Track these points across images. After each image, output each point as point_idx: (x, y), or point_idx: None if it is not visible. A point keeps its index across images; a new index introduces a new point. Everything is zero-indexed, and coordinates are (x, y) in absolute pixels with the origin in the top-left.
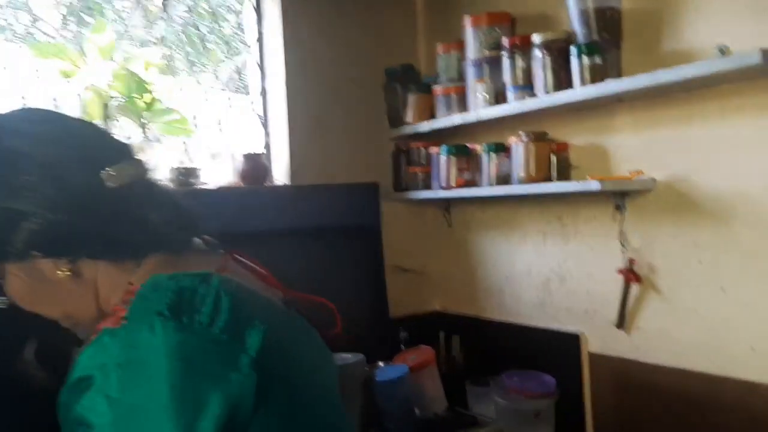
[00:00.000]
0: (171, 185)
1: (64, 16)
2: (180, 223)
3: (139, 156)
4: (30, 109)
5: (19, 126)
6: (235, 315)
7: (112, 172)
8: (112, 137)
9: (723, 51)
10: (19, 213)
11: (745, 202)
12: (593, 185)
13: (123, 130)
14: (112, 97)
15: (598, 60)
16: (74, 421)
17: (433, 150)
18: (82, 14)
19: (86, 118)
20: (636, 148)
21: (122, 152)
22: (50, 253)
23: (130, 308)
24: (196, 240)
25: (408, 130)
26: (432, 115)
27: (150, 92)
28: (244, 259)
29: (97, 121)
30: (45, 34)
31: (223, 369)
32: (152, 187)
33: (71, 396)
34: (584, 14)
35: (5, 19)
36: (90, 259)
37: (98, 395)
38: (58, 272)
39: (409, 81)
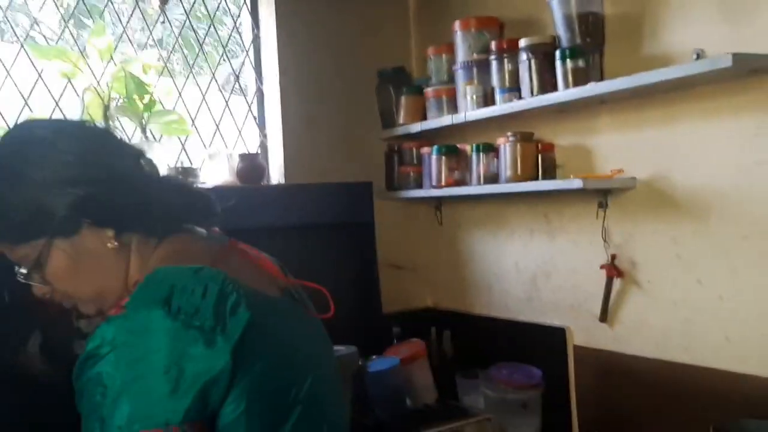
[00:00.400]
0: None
1: (63, 19)
2: (197, 209)
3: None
4: (63, 120)
5: (69, 130)
6: (220, 305)
7: (145, 162)
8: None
9: (699, 55)
10: (73, 183)
11: (719, 199)
12: (576, 183)
13: (123, 130)
14: (112, 99)
15: (581, 63)
16: (90, 382)
17: (425, 150)
18: (81, 17)
19: (86, 119)
20: (618, 148)
21: (143, 151)
22: (100, 222)
23: (131, 297)
24: (201, 230)
25: (400, 130)
26: (423, 116)
27: (149, 93)
28: (247, 250)
29: (98, 122)
30: (44, 36)
31: (202, 352)
32: (176, 178)
33: (86, 365)
34: (568, 19)
35: (5, 22)
36: (129, 234)
37: (107, 365)
38: (108, 244)
39: (401, 83)
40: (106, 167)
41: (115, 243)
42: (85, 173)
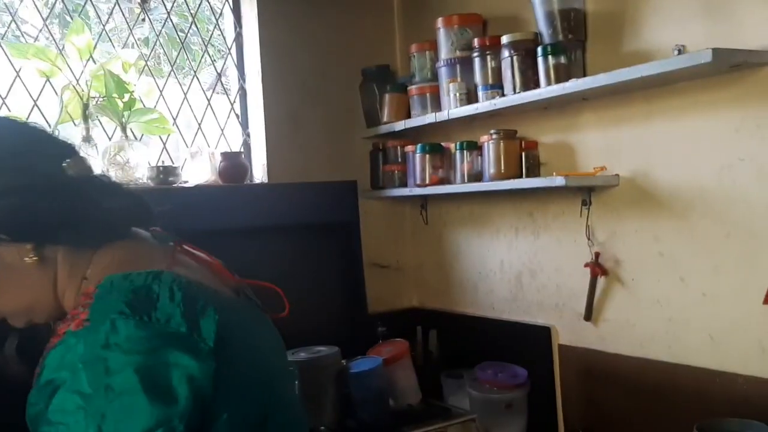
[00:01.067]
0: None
1: (41, 17)
2: (135, 212)
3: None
4: None
5: None
6: (189, 308)
7: (71, 163)
8: (58, 137)
9: (680, 51)
10: None
11: (701, 196)
12: (559, 181)
13: (103, 129)
14: (91, 97)
15: (563, 60)
16: (56, 410)
17: (409, 148)
18: (65, 16)
19: (65, 117)
20: (601, 145)
21: (73, 148)
22: (17, 237)
23: (91, 310)
24: (144, 233)
25: (384, 129)
26: (407, 115)
27: (130, 92)
28: (193, 251)
29: (77, 120)
30: (24, 35)
31: (186, 358)
32: (107, 179)
33: (40, 397)
34: (550, 16)
35: None
36: (52, 246)
37: (69, 394)
38: (26, 258)
39: (385, 81)
40: (23, 173)
41: (34, 258)
42: (2, 188)
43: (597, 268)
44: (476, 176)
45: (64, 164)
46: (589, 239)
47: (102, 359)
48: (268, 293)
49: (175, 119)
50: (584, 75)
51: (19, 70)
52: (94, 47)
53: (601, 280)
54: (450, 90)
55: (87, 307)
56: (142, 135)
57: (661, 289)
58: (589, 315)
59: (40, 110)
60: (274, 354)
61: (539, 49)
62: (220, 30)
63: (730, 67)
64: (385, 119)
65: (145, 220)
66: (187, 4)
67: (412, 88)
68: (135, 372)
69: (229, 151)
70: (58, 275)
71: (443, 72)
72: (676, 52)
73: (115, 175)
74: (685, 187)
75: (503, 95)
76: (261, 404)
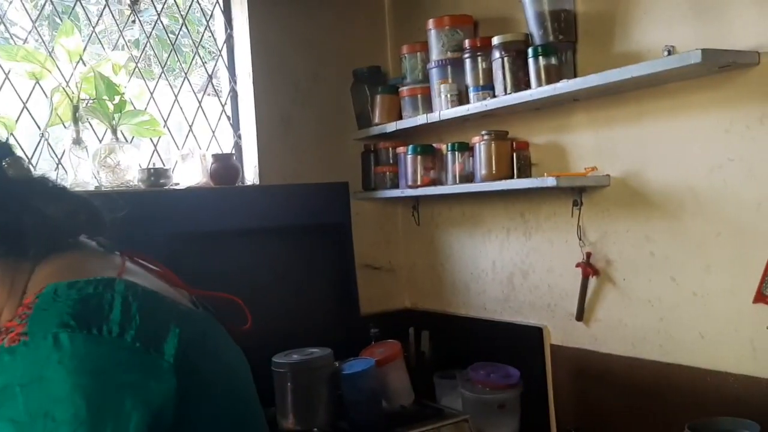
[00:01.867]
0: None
1: (30, 19)
2: (83, 220)
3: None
4: None
5: None
6: (147, 321)
7: (10, 162)
8: None
9: (670, 51)
10: None
11: (692, 196)
12: (550, 182)
13: (93, 131)
14: (81, 100)
15: (553, 61)
16: None
17: (400, 150)
18: (55, 18)
19: (55, 120)
20: (591, 146)
21: (10, 148)
22: None
23: (29, 322)
24: (91, 243)
25: (375, 130)
26: (399, 116)
27: (120, 94)
28: (142, 260)
29: (67, 123)
30: (15, 36)
31: (142, 378)
32: (50, 182)
33: None
34: (540, 17)
35: None
36: None
37: (11, 413)
38: None
39: (376, 82)
40: None
41: None
42: None
43: (588, 268)
44: (468, 177)
45: (3, 164)
46: (580, 239)
47: (42, 381)
48: (218, 303)
49: (165, 121)
50: (575, 76)
51: (9, 72)
52: (84, 49)
53: (592, 281)
54: (441, 91)
55: (25, 318)
56: (133, 137)
57: (653, 288)
58: (580, 315)
59: (29, 113)
60: (240, 367)
61: (530, 50)
62: (211, 32)
63: (719, 67)
64: (376, 120)
65: (94, 229)
66: (177, 6)
67: (404, 90)
68: (82, 397)
69: (220, 152)
70: None
71: (434, 73)
72: (665, 53)
73: (105, 177)
74: (675, 187)
75: (494, 96)
76: (236, 421)
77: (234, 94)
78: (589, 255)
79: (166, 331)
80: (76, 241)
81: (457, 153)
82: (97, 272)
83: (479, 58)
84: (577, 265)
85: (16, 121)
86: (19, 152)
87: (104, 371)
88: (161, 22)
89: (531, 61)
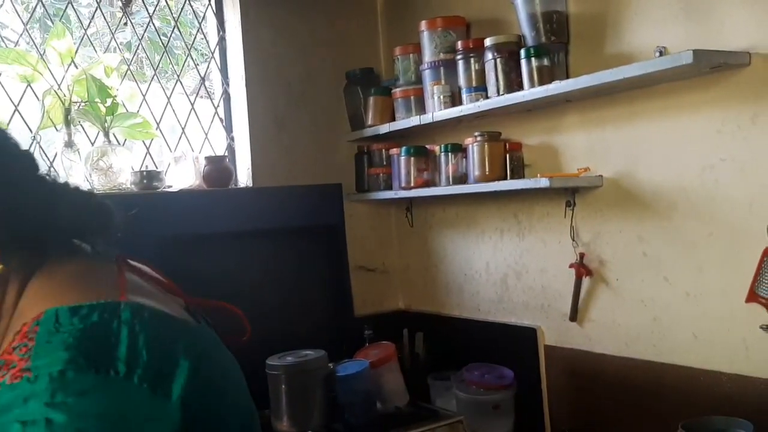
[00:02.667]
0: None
1: (22, 21)
2: (90, 220)
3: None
4: None
5: None
6: (155, 356)
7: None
8: None
9: (661, 52)
10: None
11: (684, 196)
12: (543, 182)
13: (85, 134)
14: (73, 102)
15: (546, 62)
16: None
17: (394, 151)
18: (46, 20)
19: (47, 123)
20: (584, 146)
21: (18, 143)
22: None
23: (33, 357)
24: (85, 246)
25: (368, 132)
26: (392, 117)
27: (112, 97)
28: (139, 265)
29: (59, 126)
30: (6, 39)
31: (147, 423)
32: (54, 179)
33: None
34: (532, 18)
35: None
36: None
37: None
38: None
39: (369, 84)
40: None
41: None
42: None
43: (582, 268)
44: (461, 178)
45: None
46: (573, 240)
47: (45, 422)
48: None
49: (158, 124)
50: (567, 77)
51: (0, 75)
52: (76, 52)
53: (586, 281)
54: (434, 92)
55: (26, 352)
56: (125, 140)
57: (646, 288)
58: (574, 315)
59: (21, 116)
60: (241, 383)
61: (522, 52)
62: (203, 34)
63: (710, 68)
64: (369, 122)
65: (101, 234)
66: (169, 8)
67: (397, 91)
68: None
69: (213, 155)
70: (7, 296)
71: (427, 75)
72: (657, 54)
73: (98, 180)
74: (668, 188)
75: (487, 97)
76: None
77: (227, 96)
78: (582, 255)
79: (175, 366)
80: (75, 246)
81: (450, 154)
82: (98, 290)
83: (472, 60)
84: (571, 266)
85: (8, 124)
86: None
87: (110, 415)
88: (153, 24)
89: (523, 62)
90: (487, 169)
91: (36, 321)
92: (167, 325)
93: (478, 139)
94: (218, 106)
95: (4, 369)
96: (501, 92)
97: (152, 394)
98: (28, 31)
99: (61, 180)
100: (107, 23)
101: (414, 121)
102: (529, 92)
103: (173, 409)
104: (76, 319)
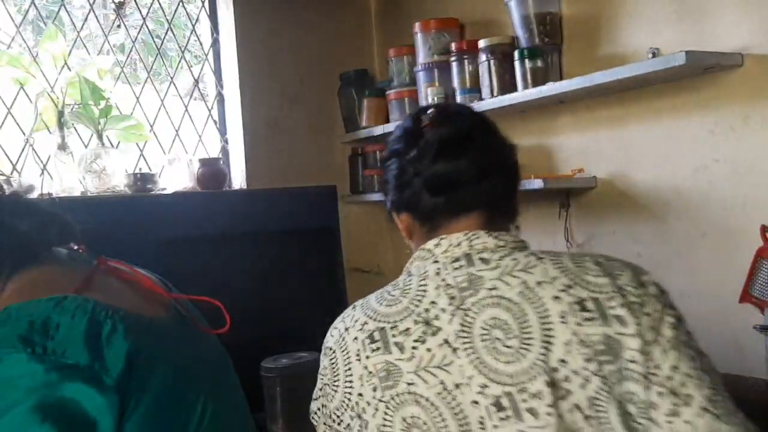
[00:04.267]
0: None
1: (14, 23)
2: (53, 233)
3: None
4: None
5: None
6: (91, 338)
7: None
8: None
9: (654, 54)
10: None
11: (677, 196)
12: (537, 184)
13: (79, 137)
14: (66, 105)
15: (539, 63)
16: None
17: None
18: (38, 23)
19: (40, 125)
20: (578, 148)
21: None
22: None
23: None
24: (62, 252)
25: (363, 133)
26: (386, 119)
27: (105, 99)
28: (120, 267)
29: (52, 128)
30: (0, 42)
31: (86, 391)
32: (17, 196)
33: None
34: (526, 19)
35: None
36: None
37: None
38: None
39: (363, 86)
40: None
41: None
42: None
43: None
44: None
45: None
46: (568, 241)
47: None
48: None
49: (152, 126)
50: (561, 78)
51: None
52: (69, 54)
53: None
54: (428, 94)
55: None
56: (119, 142)
57: None
58: None
59: (14, 118)
60: (204, 378)
61: (516, 53)
62: (197, 36)
63: (703, 69)
64: (363, 124)
65: (63, 240)
66: (163, 10)
67: (391, 93)
68: (28, 410)
69: (207, 157)
70: None
71: (421, 76)
72: (650, 55)
73: (91, 183)
74: (661, 188)
75: (481, 99)
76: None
77: (221, 99)
78: None
79: (112, 345)
80: (48, 254)
81: None
82: (54, 289)
83: (466, 61)
84: None
85: (0, 126)
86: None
87: (49, 386)
88: (147, 26)
89: (517, 63)
90: None
91: None
92: (111, 314)
93: None
94: (212, 108)
95: None
96: (495, 94)
97: (90, 366)
98: (20, 34)
99: (20, 200)
100: (100, 25)
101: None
102: (523, 94)
103: (111, 386)
104: (23, 312)
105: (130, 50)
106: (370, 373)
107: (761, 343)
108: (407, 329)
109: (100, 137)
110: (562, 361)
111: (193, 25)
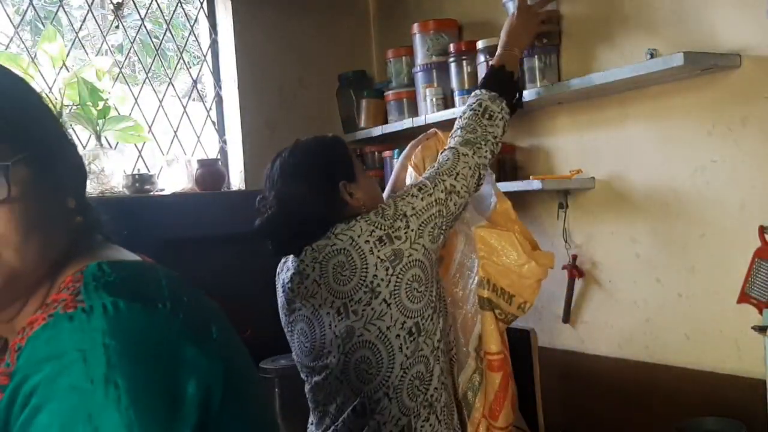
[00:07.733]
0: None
1: (12, 24)
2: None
3: None
4: None
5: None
6: (194, 304)
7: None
8: None
9: (653, 54)
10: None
11: (676, 197)
12: (535, 185)
13: (77, 137)
14: (65, 105)
15: (537, 64)
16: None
17: (386, 154)
18: (37, 23)
19: None
20: (576, 148)
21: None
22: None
23: (83, 292)
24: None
25: (361, 134)
26: (385, 120)
27: (104, 100)
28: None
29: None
30: None
31: (194, 355)
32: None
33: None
34: None
35: None
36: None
37: (62, 390)
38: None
39: (361, 87)
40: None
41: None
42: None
43: (574, 270)
44: None
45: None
46: (566, 242)
47: (105, 347)
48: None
49: (150, 127)
50: (559, 79)
51: None
52: (67, 54)
53: (578, 283)
54: (427, 95)
55: (74, 290)
56: (117, 143)
57: (638, 290)
58: (567, 317)
59: None
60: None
61: None
62: (195, 36)
63: (701, 70)
64: (362, 125)
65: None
66: (161, 11)
67: (389, 94)
68: (139, 364)
69: (205, 158)
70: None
71: (420, 77)
72: (648, 56)
73: (89, 184)
74: (659, 189)
75: None
76: (256, 413)
77: (219, 99)
78: (574, 257)
79: (212, 317)
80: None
81: None
82: (132, 256)
83: (464, 62)
84: (563, 268)
85: None
86: None
87: (162, 342)
88: (145, 27)
89: None
90: None
91: (80, 270)
92: (199, 293)
93: None
94: (210, 108)
95: (54, 304)
96: None
97: (197, 329)
98: (18, 34)
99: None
100: (99, 26)
101: (407, 123)
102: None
103: (217, 352)
104: (118, 268)
105: (129, 51)
106: None
107: (759, 343)
108: None
109: (98, 138)
110: None
111: (192, 26)
